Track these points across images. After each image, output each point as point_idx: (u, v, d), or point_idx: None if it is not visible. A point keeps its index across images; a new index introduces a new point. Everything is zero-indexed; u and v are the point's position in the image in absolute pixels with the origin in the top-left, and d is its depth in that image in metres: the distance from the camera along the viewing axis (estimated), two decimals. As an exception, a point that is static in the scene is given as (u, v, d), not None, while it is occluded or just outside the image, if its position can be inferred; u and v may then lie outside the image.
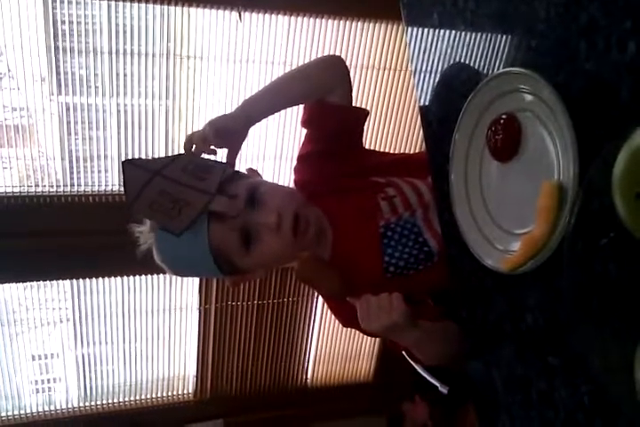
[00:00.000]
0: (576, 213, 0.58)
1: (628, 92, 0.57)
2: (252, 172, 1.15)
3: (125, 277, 2.88)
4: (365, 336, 1.48)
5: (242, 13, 2.48)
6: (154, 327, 3.05)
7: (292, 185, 1.23)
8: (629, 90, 0.57)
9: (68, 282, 2.86)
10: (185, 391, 3.26)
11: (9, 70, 2.40)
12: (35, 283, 2.86)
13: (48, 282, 2.89)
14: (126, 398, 3.17)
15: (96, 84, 2.49)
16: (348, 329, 1.18)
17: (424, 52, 0.96)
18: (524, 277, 0.71)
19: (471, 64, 0.85)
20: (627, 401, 0.56)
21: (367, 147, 1.37)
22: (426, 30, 0.96)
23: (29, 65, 2.35)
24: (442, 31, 0.91)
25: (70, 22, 2.37)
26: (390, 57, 2.80)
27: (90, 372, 3.08)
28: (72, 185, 2.58)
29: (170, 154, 1.08)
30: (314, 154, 1.19)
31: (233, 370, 3.23)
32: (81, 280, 2.84)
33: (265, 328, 3.16)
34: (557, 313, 0.69)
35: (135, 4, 2.39)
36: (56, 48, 2.37)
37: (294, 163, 1.23)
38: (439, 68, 0.93)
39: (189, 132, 1.04)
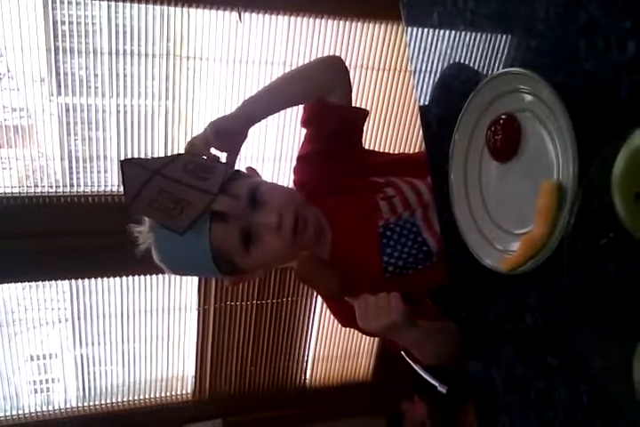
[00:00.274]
0: (575, 213, 0.58)
1: (628, 92, 0.57)
2: (252, 171, 1.15)
3: (124, 278, 2.88)
4: (364, 336, 1.49)
5: (242, 14, 2.48)
6: (153, 328, 3.05)
7: (291, 185, 1.23)
8: (629, 90, 0.57)
9: (66, 282, 2.86)
10: (184, 391, 3.26)
11: (8, 71, 2.40)
12: (33, 283, 2.86)
13: (47, 282, 2.88)
14: (125, 399, 3.16)
15: (96, 84, 2.48)
16: (347, 329, 1.18)
17: (424, 53, 0.96)
18: (524, 277, 0.71)
19: (471, 64, 0.85)
20: (626, 401, 0.56)
21: (367, 147, 1.37)
22: (426, 30, 0.96)
23: (29, 65, 2.35)
24: (441, 31, 0.91)
25: (70, 23, 2.36)
26: (390, 57, 2.80)
27: (88, 372, 3.08)
28: (71, 185, 2.58)
29: (169, 154, 1.08)
30: (313, 154, 1.19)
31: (232, 370, 3.22)
32: (80, 280, 2.84)
33: (264, 328, 3.16)
34: (557, 313, 0.69)
35: (135, 5, 2.39)
36: (56, 48, 2.37)
37: (294, 163, 1.23)
38: (439, 69, 0.93)
39: (190, 134, 1.04)
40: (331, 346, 3.37)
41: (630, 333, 0.56)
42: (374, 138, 2.94)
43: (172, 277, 2.79)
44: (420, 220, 1.10)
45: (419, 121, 1.01)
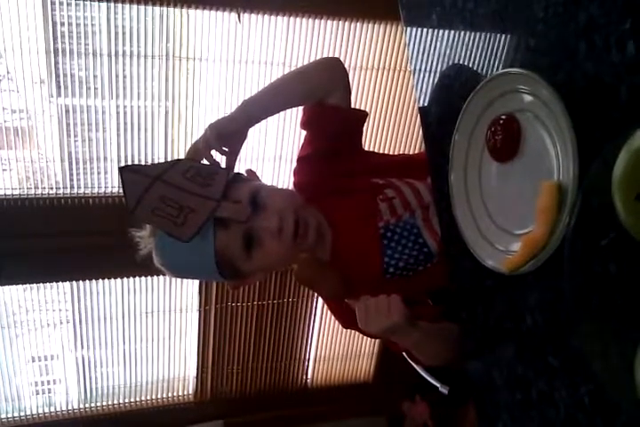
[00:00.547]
0: (576, 213, 0.58)
1: (628, 93, 0.57)
2: (252, 173, 1.15)
3: (125, 279, 2.88)
4: (365, 337, 1.48)
5: (241, 14, 2.48)
6: (154, 329, 3.05)
7: (291, 187, 1.23)
8: (629, 90, 0.57)
9: (67, 284, 2.85)
10: (185, 392, 3.26)
11: (8, 72, 2.40)
12: (34, 285, 2.86)
13: (48, 284, 2.88)
14: (126, 400, 3.16)
15: (95, 85, 2.48)
16: (348, 330, 1.18)
17: (423, 53, 0.97)
18: (524, 277, 0.71)
19: (470, 64, 0.85)
20: (627, 401, 0.56)
21: (367, 147, 1.38)
22: (425, 31, 0.96)
23: (29, 67, 2.34)
24: (441, 31, 0.91)
25: (69, 24, 2.36)
26: (389, 57, 2.80)
27: (90, 373, 3.08)
28: (72, 187, 2.58)
29: (170, 155, 1.08)
30: (313, 156, 1.19)
31: (233, 371, 3.22)
32: (81, 282, 2.84)
33: (265, 329, 3.16)
34: (558, 313, 0.69)
35: (134, 6, 2.38)
36: (55, 50, 2.36)
37: (294, 164, 1.23)
38: (438, 69, 0.93)
39: (190, 135, 1.04)
40: (332, 347, 3.37)
41: (631, 333, 0.56)
42: (374, 138, 2.94)
43: (173, 278, 2.79)
44: (420, 221, 1.10)
45: (418, 121, 1.01)
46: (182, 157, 1.09)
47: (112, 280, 2.87)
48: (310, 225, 1.05)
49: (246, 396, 3.30)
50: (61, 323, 3.01)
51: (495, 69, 0.78)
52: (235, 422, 3.24)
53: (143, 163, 2.60)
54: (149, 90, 2.55)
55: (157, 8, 2.41)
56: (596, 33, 0.60)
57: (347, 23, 2.67)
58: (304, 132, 1.22)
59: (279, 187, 1.16)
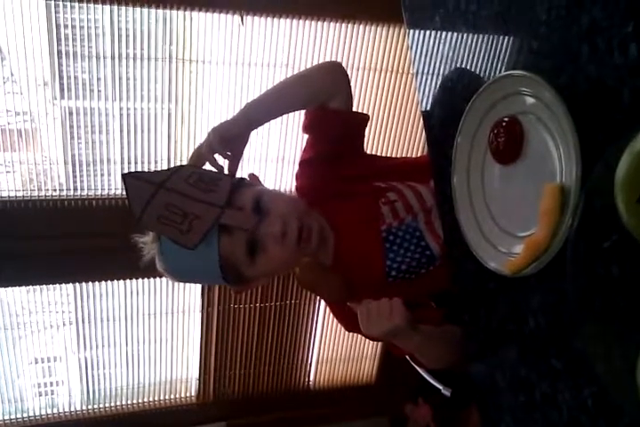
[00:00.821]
0: (579, 215, 0.58)
1: (630, 95, 0.57)
2: (254, 178, 1.15)
3: (128, 281, 2.88)
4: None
5: (244, 17, 2.48)
6: (156, 330, 3.05)
7: (293, 190, 1.23)
8: (632, 93, 0.57)
9: (70, 285, 2.86)
10: (188, 394, 3.26)
11: (12, 75, 2.41)
12: (37, 286, 2.87)
13: (51, 285, 2.89)
14: (129, 401, 3.16)
15: (98, 88, 2.49)
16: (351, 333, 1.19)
17: (426, 55, 0.97)
18: (527, 279, 0.71)
19: (473, 67, 0.85)
20: (630, 403, 0.56)
21: (369, 149, 1.38)
22: (427, 33, 0.96)
23: (32, 69, 2.35)
24: (443, 34, 0.91)
25: (73, 27, 2.37)
26: (392, 60, 2.80)
27: (92, 375, 3.08)
28: (75, 189, 2.58)
29: (173, 157, 1.09)
30: (315, 159, 1.19)
31: (236, 373, 3.22)
32: (84, 283, 2.84)
33: (267, 331, 3.15)
34: (560, 315, 0.69)
35: (137, 9, 2.39)
36: (59, 52, 2.37)
37: (296, 167, 1.23)
38: (441, 71, 0.93)
39: (192, 137, 1.05)
40: (334, 348, 3.36)
41: (634, 335, 0.56)
42: (377, 140, 2.94)
43: (176, 280, 2.79)
44: (423, 224, 1.10)
45: (421, 124, 1.01)
46: (185, 159, 1.09)
47: (115, 282, 2.87)
48: (313, 230, 1.05)
49: (249, 398, 3.30)
50: (64, 324, 3.01)
51: (498, 72, 0.79)
52: (237, 423, 3.23)
53: (146, 165, 2.61)
54: (152, 92, 2.56)
55: (160, 10, 2.42)
56: (599, 36, 0.60)
57: (349, 25, 2.68)
58: (306, 137, 1.22)
59: (282, 192, 1.16)
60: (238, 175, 1.11)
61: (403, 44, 2.74)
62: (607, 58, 0.59)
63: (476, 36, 0.84)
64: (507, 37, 0.77)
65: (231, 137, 1.05)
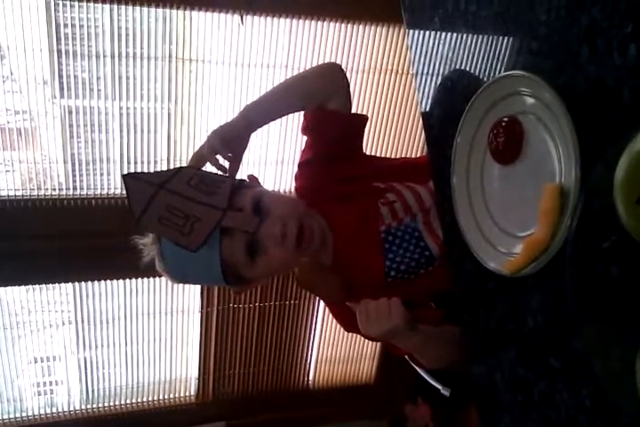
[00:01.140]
0: (578, 216, 0.58)
1: (630, 96, 0.57)
2: (253, 179, 1.15)
3: (127, 280, 2.88)
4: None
5: (244, 16, 2.48)
6: (156, 330, 3.05)
7: (293, 191, 1.23)
8: (631, 93, 0.57)
9: (70, 285, 2.86)
10: (187, 394, 3.26)
11: (12, 73, 2.41)
12: (37, 286, 2.87)
13: (50, 285, 2.89)
14: (128, 401, 3.16)
15: (98, 87, 2.49)
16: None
17: (425, 55, 0.97)
18: (527, 279, 0.71)
19: (472, 67, 0.85)
20: (629, 403, 0.56)
21: (369, 149, 1.38)
22: (427, 33, 0.96)
23: (32, 68, 2.35)
24: (443, 34, 0.91)
25: (73, 26, 2.37)
26: (392, 60, 2.80)
27: (92, 374, 3.08)
28: (74, 188, 2.59)
29: (172, 156, 1.09)
30: (314, 160, 1.19)
31: (235, 372, 3.22)
32: (83, 283, 2.85)
33: (267, 330, 3.16)
34: (559, 315, 0.69)
35: (137, 8, 2.39)
36: (58, 51, 2.37)
37: (295, 168, 1.23)
38: (441, 71, 0.93)
39: (192, 137, 1.05)
40: (334, 348, 3.37)
41: (632, 335, 0.56)
42: (377, 140, 2.94)
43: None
44: (422, 224, 1.10)
45: (420, 124, 1.01)
46: (185, 158, 1.10)
47: (114, 282, 2.88)
48: (315, 231, 1.05)
49: (248, 397, 3.30)
50: (64, 324, 3.01)
51: (497, 72, 0.79)
52: (236, 423, 3.24)
53: (146, 164, 2.61)
54: (152, 91, 2.56)
55: (160, 10, 2.42)
56: (599, 36, 0.60)
57: (349, 26, 2.68)
58: (305, 138, 1.22)
59: (281, 193, 1.16)
60: (238, 177, 1.11)
61: (402, 44, 2.74)
62: (607, 58, 0.59)
63: (475, 36, 0.84)
64: (506, 38, 0.77)
65: (231, 139, 1.05)
